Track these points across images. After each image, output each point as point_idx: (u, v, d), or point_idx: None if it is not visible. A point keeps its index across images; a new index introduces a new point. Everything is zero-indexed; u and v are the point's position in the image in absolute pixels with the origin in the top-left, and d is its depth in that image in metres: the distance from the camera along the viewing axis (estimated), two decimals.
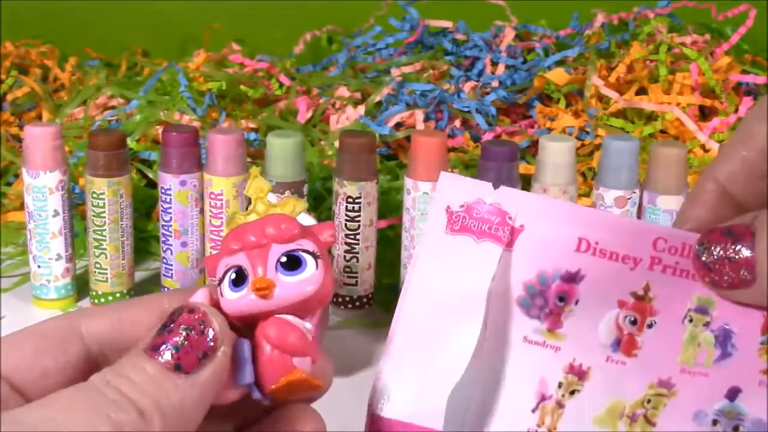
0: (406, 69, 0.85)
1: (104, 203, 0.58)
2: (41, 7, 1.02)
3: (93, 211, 0.59)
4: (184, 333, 0.27)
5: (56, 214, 0.59)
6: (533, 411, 0.34)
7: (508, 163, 0.58)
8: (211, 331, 0.27)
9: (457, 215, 0.35)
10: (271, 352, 0.29)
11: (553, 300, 0.34)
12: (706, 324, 0.35)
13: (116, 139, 0.59)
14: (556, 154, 0.58)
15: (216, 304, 0.30)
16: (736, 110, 0.77)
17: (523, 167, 0.67)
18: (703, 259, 0.32)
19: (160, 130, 0.74)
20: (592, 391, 0.35)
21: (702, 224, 0.33)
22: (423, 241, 0.35)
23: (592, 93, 0.79)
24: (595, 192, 0.59)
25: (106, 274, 0.60)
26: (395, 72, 0.85)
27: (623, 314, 0.35)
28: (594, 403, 0.34)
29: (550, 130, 0.77)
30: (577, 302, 0.35)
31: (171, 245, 0.60)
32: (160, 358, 0.27)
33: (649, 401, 0.35)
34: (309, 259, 0.30)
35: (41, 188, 0.59)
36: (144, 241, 0.69)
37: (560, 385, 0.35)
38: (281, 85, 0.87)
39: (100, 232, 0.59)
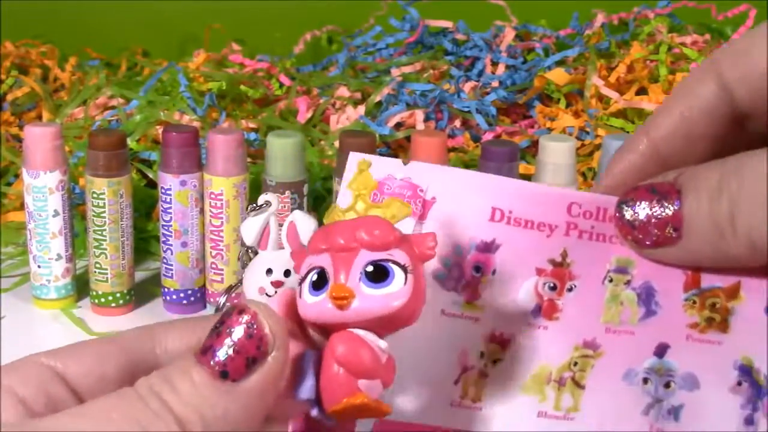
0: (406, 69, 0.85)
1: (104, 203, 0.58)
2: (41, 7, 1.02)
3: (93, 211, 0.59)
4: (231, 336, 0.25)
5: (56, 214, 0.59)
6: (456, 383, 0.34)
7: (508, 163, 0.58)
8: (261, 334, 0.25)
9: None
10: (337, 369, 0.27)
11: (469, 271, 0.33)
12: (627, 283, 0.35)
13: (116, 139, 0.59)
14: (556, 154, 0.58)
15: (294, 306, 0.28)
16: None
17: (523, 167, 0.67)
18: (627, 217, 0.31)
19: (160, 130, 0.74)
20: (515, 359, 0.34)
21: (624, 182, 0.32)
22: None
23: (592, 93, 0.79)
24: None
25: (106, 274, 0.60)
26: (395, 72, 0.85)
27: (542, 281, 0.35)
28: (519, 371, 0.34)
29: (550, 130, 0.77)
30: (494, 272, 0.34)
31: (171, 245, 0.60)
32: (207, 364, 0.25)
33: (575, 364, 0.34)
34: (398, 272, 0.27)
35: (41, 188, 0.59)
36: (144, 241, 0.69)
37: (482, 354, 0.34)
38: (281, 85, 0.87)
39: (100, 232, 0.59)
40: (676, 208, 0.28)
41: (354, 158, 0.33)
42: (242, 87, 0.84)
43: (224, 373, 0.25)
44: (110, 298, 0.60)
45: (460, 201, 0.33)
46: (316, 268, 0.27)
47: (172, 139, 0.59)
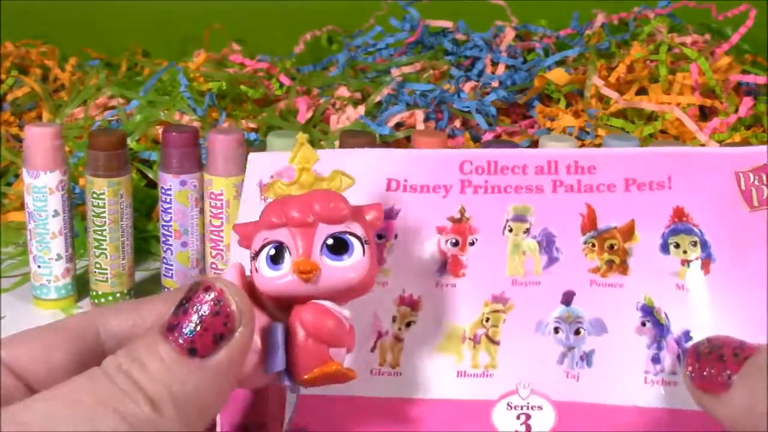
0: (406, 69, 0.85)
1: (104, 203, 0.58)
2: (41, 7, 1.02)
3: (93, 211, 0.59)
4: (198, 313, 0.25)
5: (56, 214, 0.59)
6: (372, 350, 0.34)
7: None
8: (227, 310, 0.25)
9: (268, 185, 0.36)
10: (306, 340, 0.27)
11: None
12: (527, 231, 0.36)
13: (116, 139, 0.59)
14: None
15: (248, 280, 0.28)
16: (736, 110, 0.77)
17: None
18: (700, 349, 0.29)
19: (160, 130, 0.74)
20: (427, 319, 0.35)
21: None
22: (241, 216, 0.36)
23: (592, 93, 0.79)
24: None
25: (106, 274, 0.60)
26: (395, 72, 0.85)
27: (444, 238, 0.36)
28: (433, 331, 0.34)
29: (550, 130, 0.77)
30: (396, 236, 0.35)
31: (171, 245, 0.60)
32: (173, 341, 0.25)
33: (487, 320, 0.35)
34: (356, 244, 0.28)
35: (41, 188, 0.59)
36: (144, 241, 0.69)
37: (394, 319, 0.35)
38: (281, 85, 0.87)
39: (100, 232, 0.59)
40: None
41: (254, 158, 0.35)
42: (242, 87, 0.84)
43: (192, 350, 0.25)
44: (110, 298, 0.60)
45: (356, 178, 0.34)
46: (273, 243, 0.28)
47: (172, 139, 0.59)
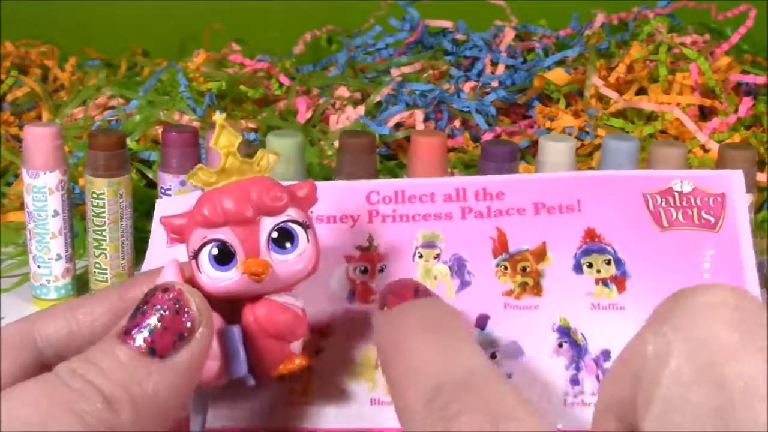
0: (406, 69, 0.85)
1: (104, 203, 0.59)
2: (41, 7, 1.02)
3: (93, 211, 0.59)
4: (157, 314, 0.25)
5: (56, 214, 0.59)
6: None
7: (507, 163, 0.58)
8: (187, 310, 0.25)
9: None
10: (266, 339, 0.27)
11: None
12: (437, 257, 0.36)
13: (116, 139, 0.59)
14: (556, 154, 0.58)
15: (188, 280, 0.27)
16: (736, 110, 0.77)
17: (523, 167, 0.67)
18: None
19: (160, 130, 0.74)
20: (337, 347, 0.34)
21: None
22: (147, 262, 0.36)
23: (592, 93, 0.79)
24: None
25: (106, 274, 0.60)
26: (395, 72, 0.85)
27: (352, 266, 0.35)
28: (344, 359, 0.34)
29: (550, 130, 0.77)
30: None
31: None
32: (132, 343, 0.24)
33: None
34: (300, 232, 0.27)
35: (41, 188, 0.59)
36: (144, 241, 0.69)
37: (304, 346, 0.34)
38: (281, 85, 0.87)
39: (100, 232, 0.59)
40: None
41: (161, 203, 0.36)
42: (242, 87, 0.84)
43: (152, 350, 0.24)
44: None
45: None
46: (215, 242, 0.27)
47: (171, 139, 0.59)
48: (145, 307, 0.25)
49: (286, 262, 0.27)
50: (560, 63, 0.84)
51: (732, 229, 0.36)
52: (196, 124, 0.75)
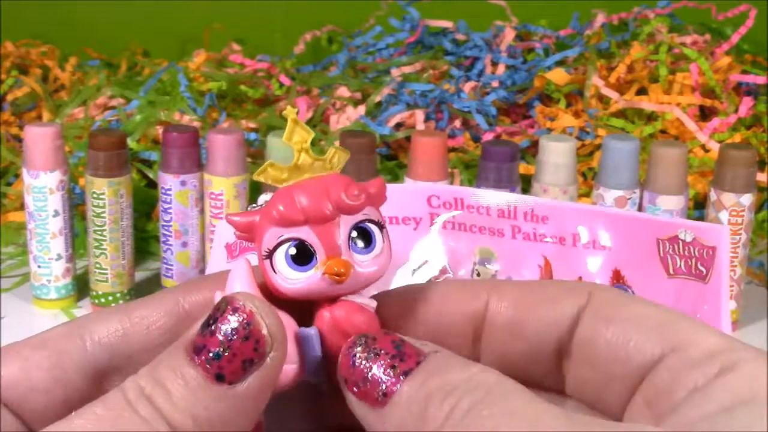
0: (406, 69, 0.85)
1: (104, 203, 0.58)
2: (41, 7, 1.02)
3: (93, 211, 0.59)
4: (226, 338, 0.23)
5: (56, 214, 0.59)
6: None
7: (508, 163, 0.58)
8: (258, 334, 0.24)
9: (234, 244, 0.37)
10: (343, 342, 0.25)
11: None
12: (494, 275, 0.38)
13: (116, 140, 0.59)
14: (557, 154, 0.58)
15: (261, 284, 0.26)
16: (736, 110, 0.77)
17: (523, 167, 0.67)
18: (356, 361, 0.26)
19: (160, 130, 0.74)
20: None
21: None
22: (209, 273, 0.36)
23: (593, 93, 0.79)
24: (595, 192, 0.59)
25: (106, 274, 0.60)
26: (395, 72, 0.85)
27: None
28: None
29: (550, 130, 0.77)
30: None
31: (171, 245, 0.60)
32: (200, 365, 0.23)
33: None
34: (376, 231, 0.26)
35: (41, 188, 0.59)
36: (144, 241, 0.69)
37: None
38: (281, 85, 0.87)
39: (100, 232, 0.59)
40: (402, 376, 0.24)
41: (220, 224, 0.34)
42: (242, 87, 0.84)
43: (220, 376, 0.23)
44: (110, 298, 0.60)
45: None
46: (293, 241, 0.25)
47: (172, 139, 0.59)
48: (213, 325, 0.24)
49: (366, 263, 0.26)
50: (560, 63, 0.84)
51: (717, 281, 0.39)
52: (196, 124, 0.75)
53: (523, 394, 0.22)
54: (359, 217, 0.26)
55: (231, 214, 0.27)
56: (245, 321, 0.24)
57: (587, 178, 0.73)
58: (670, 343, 0.23)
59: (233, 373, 0.23)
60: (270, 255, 0.26)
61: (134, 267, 0.62)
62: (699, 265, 0.40)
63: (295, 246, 0.25)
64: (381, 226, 0.26)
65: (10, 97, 0.86)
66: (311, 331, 0.26)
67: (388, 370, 0.23)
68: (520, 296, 0.26)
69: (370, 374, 0.24)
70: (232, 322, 0.24)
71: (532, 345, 0.26)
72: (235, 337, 0.23)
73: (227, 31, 0.98)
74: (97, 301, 0.61)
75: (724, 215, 0.58)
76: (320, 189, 0.25)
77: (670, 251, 0.40)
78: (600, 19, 0.91)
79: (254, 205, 0.51)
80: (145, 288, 0.64)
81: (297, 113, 0.27)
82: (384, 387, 0.23)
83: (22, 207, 0.66)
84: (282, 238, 0.25)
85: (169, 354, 0.24)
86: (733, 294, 0.60)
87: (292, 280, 0.25)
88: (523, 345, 0.26)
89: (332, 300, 0.26)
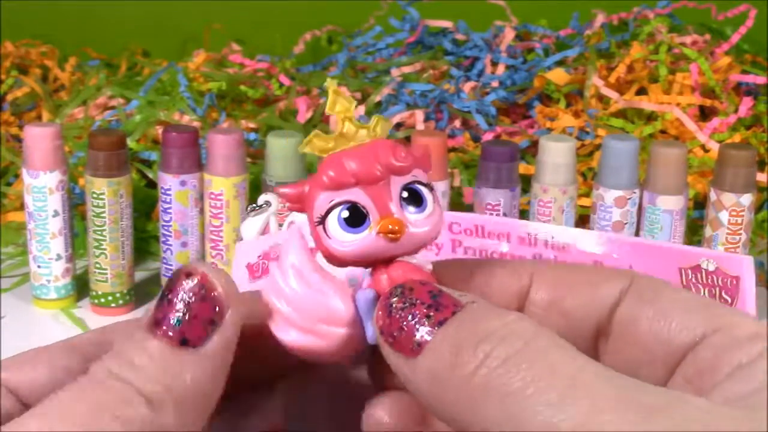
0: (406, 69, 0.85)
1: (104, 203, 0.58)
2: (41, 7, 1.02)
3: (93, 211, 0.59)
4: (183, 302, 0.24)
5: (56, 214, 0.59)
6: None
7: (508, 163, 0.58)
8: (214, 295, 0.24)
9: (256, 265, 0.38)
10: None
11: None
12: None
13: (116, 140, 0.59)
14: (556, 154, 0.58)
15: (310, 246, 0.26)
16: (736, 110, 0.77)
17: (523, 167, 0.67)
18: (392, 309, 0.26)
19: (160, 130, 0.74)
20: None
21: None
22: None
23: (592, 93, 0.79)
24: (595, 192, 0.59)
25: (106, 274, 0.60)
26: (395, 72, 0.85)
27: None
28: None
29: (550, 130, 0.77)
30: None
31: (171, 245, 0.60)
32: (163, 335, 0.23)
33: None
34: (426, 192, 0.26)
35: (41, 188, 0.59)
36: (144, 241, 0.69)
37: None
38: (281, 85, 0.87)
39: (100, 232, 0.59)
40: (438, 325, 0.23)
41: (240, 245, 0.35)
42: (242, 87, 0.84)
43: (183, 340, 0.23)
44: (110, 298, 0.60)
45: None
46: (345, 204, 0.25)
47: (172, 139, 0.59)
48: (169, 295, 0.24)
49: (419, 223, 0.26)
50: (560, 63, 0.84)
51: (742, 309, 0.40)
52: (196, 124, 0.75)
53: (565, 349, 0.22)
54: (408, 178, 0.26)
55: (281, 186, 0.27)
56: (200, 283, 0.24)
57: (587, 178, 0.73)
58: (712, 324, 0.23)
59: (197, 336, 0.24)
60: (322, 221, 0.26)
61: (134, 267, 0.62)
62: (724, 293, 0.41)
63: (347, 209, 0.25)
64: (430, 188, 0.26)
65: (10, 97, 0.86)
66: (368, 294, 0.25)
67: (423, 320, 0.23)
68: (562, 275, 0.27)
69: (405, 324, 0.23)
70: (187, 287, 0.24)
71: (571, 322, 0.26)
72: (193, 299, 0.24)
73: (227, 31, 0.98)
74: (96, 301, 0.61)
75: (724, 215, 0.58)
76: (368, 152, 0.26)
77: (693, 280, 0.41)
78: (600, 19, 0.91)
79: (254, 205, 0.51)
80: (145, 288, 0.64)
81: (337, 84, 0.27)
82: (418, 336, 0.23)
83: (21, 207, 0.66)
84: (333, 202, 0.25)
85: (130, 335, 0.24)
86: None
87: (346, 242, 0.25)
88: (563, 322, 0.26)
89: (388, 262, 0.26)
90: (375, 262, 0.26)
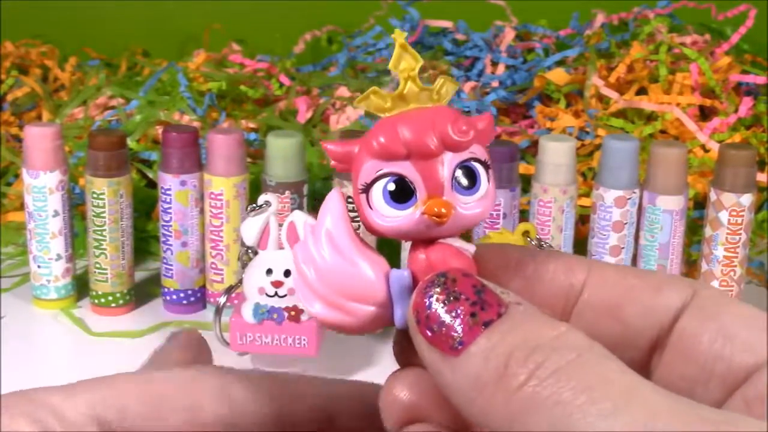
0: None
1: (104, 203, 0.58)
2: (41, 7, 1.02)
3: (93, 211, 0.59)
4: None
5: (56, 214, 0.59)
6: None
7: (508, 163, 0.58)
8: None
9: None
10: None
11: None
12: None
13: (116, 140, 0.59)
14: (557, 154, 0.58)
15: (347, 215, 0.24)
16: (736, 110, 0.77)
17: (523, 167, 0.67)
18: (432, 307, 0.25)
19: (160, 130, 0.74)
20: None
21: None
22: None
23: (592, 93, 0.79)
24: (595, 192, 0.59)
25: (106, 274, 0.60)
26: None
27: None
28: None
29: (550, 130, 0.77)
30: None
31: (171, 245, 0.60)
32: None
33: None
34: (482, 171, 0.24)
35: (41, 188, 0.59)
36: (144, 241, 0.69)
37: None
38: (281, 85, 0.87)
39: (100, 232, 0.59)
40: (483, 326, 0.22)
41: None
42: (242, 87, 0.84)
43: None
44: (110, 298, 0.60)
45: None
46: (392, 176, 0.23)
47: (172, 139, 0.59)
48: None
49: (468, 205, 0.24)
50: (560, 63, 0.84)
51: None
52: (196, 124, 0.75)
53: (617, 363, 0.20)
54: (465, 155, 0.24)
55: (328, 141, 0.25)
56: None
57: (587, 178, 0.73)
58: None
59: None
60: (367, 189, 0.24)
61: (134, 267, 0.62)
62: None
63: (394, 182, 0.24)
64: (487, 166, 0.25)
65: (10, 97, 0.86)
66: (404, 273, 0.24)
67: (467, 318, 0.21)
68: (622, 279, 0.25)
69: (447, 319, 0.22)
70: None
71: (628, 330, 0.24)
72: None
73: (227, 31, 0.98)
74: (96, 301, 0.61)
75: (724, 215, 0.58)
76: (425, 121, 0.24)
77: None
78: (600, 19, 0.91)
79: (254, 205, 0.51)
80: (145, 288, 0.64)
81: (406, 38, 0.25)
82: (461, 335, 0.21)
83: (21, 207, 0.66)
84: (381, 173, 0.24)
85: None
86: (733, 295, 0.60)
87: (388, 217, 0.24)
88: (618, 329, 0.24)
89: (428, 242, 0.24)
90: (415, 240, 0.24)
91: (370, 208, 0.24)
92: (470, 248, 0.24)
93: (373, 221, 0.24)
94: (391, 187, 0.23)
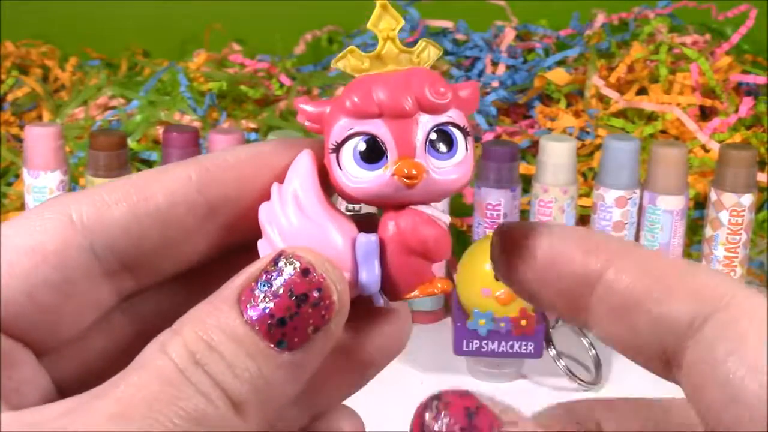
0: None
1: None
2: (41, 7, 1.02)
3: None
4: (294, 303, 0.21)
5: None
6: None
7: (508, 163, 0.58)
8: (328, 302, 0.21)
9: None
10: (408, 256, 0.23)
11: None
12: None
13: (117, 140, 0.59)
14: (557, 154, 0.58)
15: (319, 175, 0.23)
16: (737, 110, 0.77)
17: (523, 167, 0.67)
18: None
19: (160, 130, 0.74)
20: None
21: None
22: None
23: (593, 93, 0.79)
24: (596, 192, 0.59)
25: None
26: None
27: None
28: None
29: (550, 130, 0.77)
30: None
31: None
32: (261, 331, 0.20)
33: None
34: (459, 138, 0.23)
35: (42, 188, 0.59)
36: None
37: None
38: (281, 85, 0.87)
39: None
40: None
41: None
42: (242, 87, 0.84)
43: (281, 342, 0.21)
44: None
45: None
46: (363, 135, 0.23)
47: (172, 139, 0.59)
48: (275, 284, 0.21)
49: (442, 170, 0.23)
50: (561, 63, 0.84)
51: None
52: (196, 124, 0.75)
53: None
54: (442, 118, 0.23)
55: (302, 101, 0.24)
56: (317, 285, 0.21)
57: (587, 178, 0.73)
58: None
59: (298, 341, 0.21)
60: (337, 149, 0.23)
61: None
62: None
63: (365, 141, 0.23)
64: (466, 133, 0.23)
65: (10, 97, 0.86)
66: (371, 239, 0.23)
67: None
68: (639, 277, 0.22)
69: None
70: (302, 286, 0.21)
71: (637, 338, 0.22)
72: (304, 303, 0.21)
73: (227, 31, 0.98)
74: None
75: (724, 215, 0.58)
76: (401, 81, 0.23)
77: None
78: (600, 19, 0.92)
79: None
80: None
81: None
82: None
83: (22, 207, 0.66)
84: (352, 131, 0.23)
85: (219, 309, 0.21)
86: None
87: (357, 179, 0.23)
88: (628, 336, 0.22)
89: (400, 208, 0.23)
90: (386, 205, 0.23)
91: (340, 168, 0.23)
92: (445, 218, 0.24)
93: (342, 183, 0.23)
94: (362, 146, 0.23)
